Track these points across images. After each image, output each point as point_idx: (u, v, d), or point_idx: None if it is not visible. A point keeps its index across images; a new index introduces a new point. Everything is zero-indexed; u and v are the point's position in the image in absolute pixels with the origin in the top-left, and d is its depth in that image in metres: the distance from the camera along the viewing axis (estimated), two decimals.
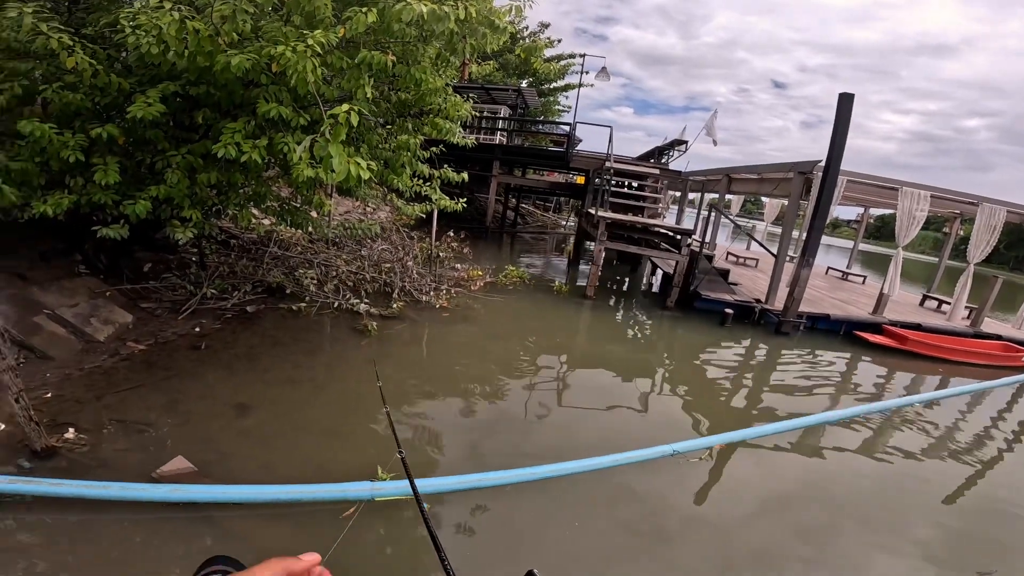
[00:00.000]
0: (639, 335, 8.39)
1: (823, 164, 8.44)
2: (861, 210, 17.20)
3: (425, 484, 3.18)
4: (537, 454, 3.89)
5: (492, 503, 3.28)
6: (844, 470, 4.50)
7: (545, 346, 6.98)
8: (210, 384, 4.24)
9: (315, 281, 7.04)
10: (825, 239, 9.80)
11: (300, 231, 7.37)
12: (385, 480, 3.13)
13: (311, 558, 0.59)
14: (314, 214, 6.50)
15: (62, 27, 3.66)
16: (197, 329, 5.22)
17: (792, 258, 10.02)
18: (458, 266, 9.79)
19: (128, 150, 4.55)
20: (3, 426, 3.19)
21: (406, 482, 3.10)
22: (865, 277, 15.62)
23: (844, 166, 8.45)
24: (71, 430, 3.27)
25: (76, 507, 2.67)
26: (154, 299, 5.62)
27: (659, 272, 13.18)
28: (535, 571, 0.97)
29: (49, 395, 3.64)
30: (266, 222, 7.72)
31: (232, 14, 3.37)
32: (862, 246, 18.54)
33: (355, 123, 3.07)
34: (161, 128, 4.48)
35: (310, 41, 3.24)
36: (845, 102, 8.22)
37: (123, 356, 4.43)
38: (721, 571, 3.03)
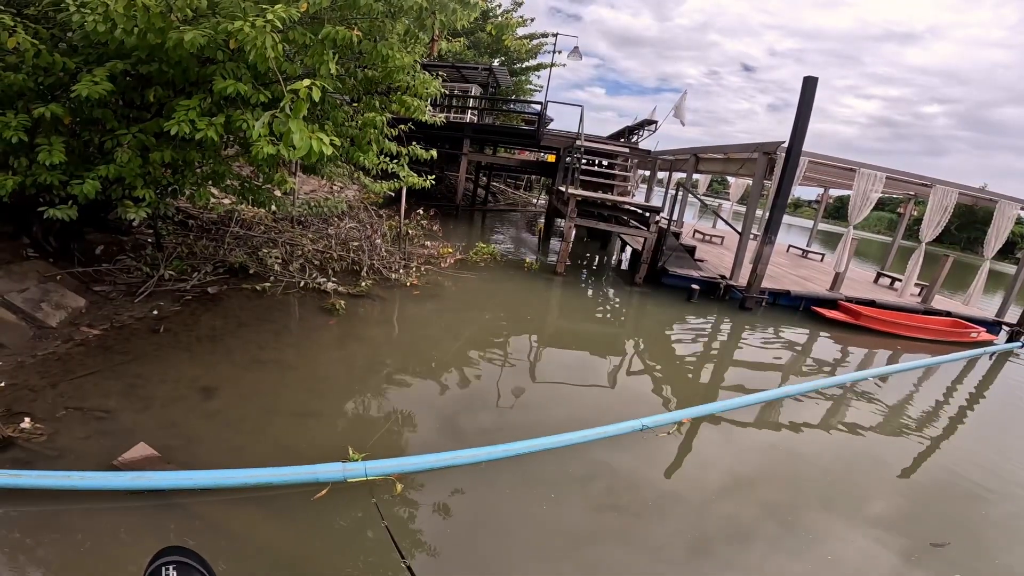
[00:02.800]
0: (608, 311, 8.54)
1: (786, 145, 8.64)
2: (821, 191, 17.74)
3: (398, 464, 3.21)
4: (511, 431, 3.96)
5: (466, 481, 3.33)
6: (804, 444, 4.69)
7: (516, 323, 7.05)
8: (171, 368, 4.14)
9: (280, 260, 6.89)
10: (787, 218, 10.10)
11: (263, 210, 7.16)
12: (356, 460, 3.15)
13: None
14: (278, 192, 6.31)
15: (3, 8, 3.54)
16: (155, 312, 5.06)
17: (755, 236, 10.31)
18: (428, 243, 9.71)
19: (75, 130, 4.36)
20: None
21: (377, 462, 3.15)
22: (823, 255, 16.19)
23: (806, 148, 8.67)
24: (27, 419, 3.15)
25: (37, 499, 2.61)
26: (108, 282, 5.41)
27: (628, 249, 13.37)
28: None
29: (2, 384, 3.49)
30: (226, 201, 7.48)
31: None
32: (821, 225, 19.16)
33: (316, 98, 2.98)
34: (110, 107, 4.31)
35: (270, 16, 3.11)
36: (809, 85, 8.40)
37: (77, 341, 4.27)
38: (694, 545, 3.13)
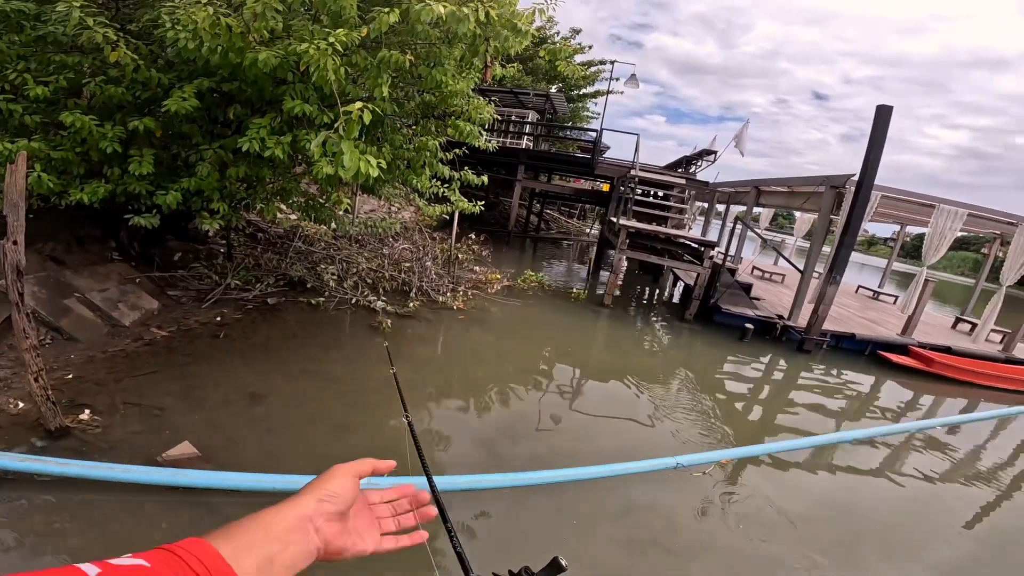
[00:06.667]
0: (655, 346, 8.27)
1: (856, 178, 8.20)
2: (897, 227, 16.65)
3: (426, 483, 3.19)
4: (546, 460, 3.88)
5: (495, 505, 3.28)
6: (860, 490, 4.37)
7: (559, 352, 6.95)
8: (226, 372, 4.36)
9: (335, 277, 7.17)
10: (860, 257, 9.53)
11: (324, 227, 7.52)
12: (385, 476, 3.15)
13: (387, 464, 0.58)
14: (339, 211, 6.63)
15: (108, 22, 3.77)
16: (219, 318, 5.38)
17: (819, 274, 9.75)
18: (477, 268, 9.84)
19: (165, 143, 4.71)
20: (22, 404, 3.31)
21: (401, 480, 3.14)
22: (897, 297, 15.08)
23: (882, 181, 8.20)
24: (87, 411, 3.39)
25: (82, 487, 2.74)
26: (181, 287, 5.82)
27: (680, 284, 13.00)
28: (560, 558, 0.92)
29: (71, 376, 3.79)
30: (292, 217, 7.91)
31: (263, 12, 3.47)
32: (897, 265, 17.91)
33: (367, 121, 3.12)
34: (196, 123, 4.61)
35: (331, 39, 3.31)
36: (882, 115, 7.97)
37: (146, 341, 4.59)
38: None
